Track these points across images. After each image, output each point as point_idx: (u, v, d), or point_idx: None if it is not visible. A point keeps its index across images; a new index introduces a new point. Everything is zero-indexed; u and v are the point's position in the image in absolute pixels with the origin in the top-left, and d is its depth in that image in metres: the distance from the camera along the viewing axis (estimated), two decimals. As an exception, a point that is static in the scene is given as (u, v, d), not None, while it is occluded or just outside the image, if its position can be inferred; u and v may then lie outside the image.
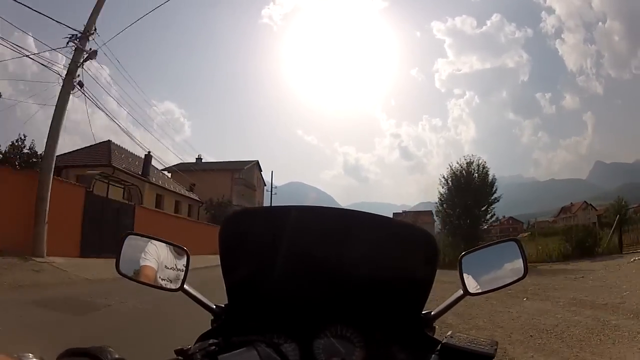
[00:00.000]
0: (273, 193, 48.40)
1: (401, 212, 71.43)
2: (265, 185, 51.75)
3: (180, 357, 0.79)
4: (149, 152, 26.44)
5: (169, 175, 33.84)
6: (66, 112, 13.11)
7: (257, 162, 51.17)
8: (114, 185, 18.85)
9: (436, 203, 21.99)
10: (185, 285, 1.09)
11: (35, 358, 0.60)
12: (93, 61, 13.38)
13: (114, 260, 1.07)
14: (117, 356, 0.70)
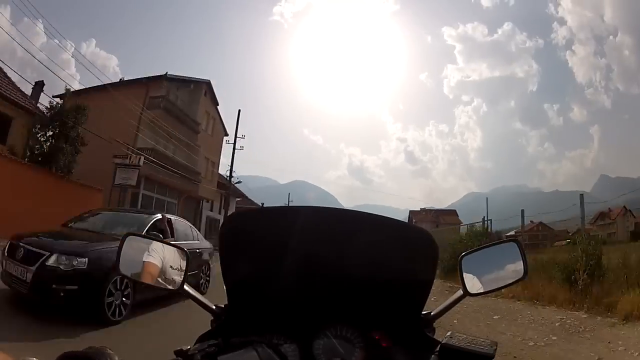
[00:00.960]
0: (238, 147, 30.33)
1: (419, 209, 66.04)
2: (227, 135, 32.31)
3: (179, 358, 0.80)
4: None
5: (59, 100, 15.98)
6: None
7: (208, 85, 28.89)
8: None
9: None
10: (184, 286, 1.11)
11: None
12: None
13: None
14: (116, 358, 0.69)
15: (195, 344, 0.89)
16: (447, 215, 60.58)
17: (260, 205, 59.64)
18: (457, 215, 62.99)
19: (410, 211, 66.20)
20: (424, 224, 54.97)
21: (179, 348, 0.82)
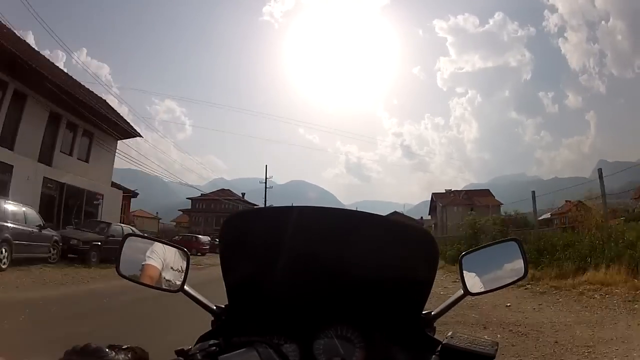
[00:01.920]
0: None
1: (444, 191, 54.91)
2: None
3: (180, 358, 0.80)
4: None
5: None
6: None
7: None
8: None
9: None
10: (185, 287, 1.11)
11: None
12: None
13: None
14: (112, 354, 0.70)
15: (195, 344, 0.89)
16: (481, 197, 49.41)
17: (242, 195, 54.86)
18: (493, 195, 51.57)
19: (433, 194, 55.74)
20: (454, 207, 46.84)
21: (179, 348, 0.82)
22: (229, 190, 55.97)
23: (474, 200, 47.80)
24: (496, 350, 0.84)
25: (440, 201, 51.78)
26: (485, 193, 54.32)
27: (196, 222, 55.14)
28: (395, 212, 57.04)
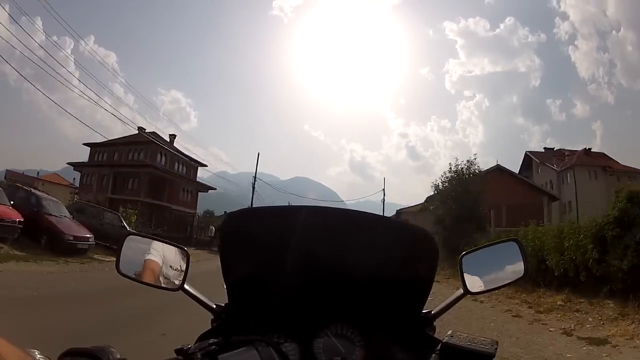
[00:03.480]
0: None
1: (542, 149, 38.54)
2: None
3: (180, 357, 0.79)
4: None
5: None
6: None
7: None
8: None
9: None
10: (185, 285, 1.11)
11: (41, 356, 0.62)
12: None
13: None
14: (118, 356, 0.70)
15: (195, 342, 0.88)
16: (602, 160, 33.64)
17: (169, 138, 35.99)
18: (614, 159, 35.68)
19: (529, 152, 38.11)
20: (587, 171, 30.91)
21: (179, 347, 0.82)
22: (154, 133, 32.19)
23: (602, 163, 31.41)
24: (496, 349, 0.84)
25: (550, 163, 32.02)
26: (602, 157, 36.29)
27: (86, 185, 32.65)
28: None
